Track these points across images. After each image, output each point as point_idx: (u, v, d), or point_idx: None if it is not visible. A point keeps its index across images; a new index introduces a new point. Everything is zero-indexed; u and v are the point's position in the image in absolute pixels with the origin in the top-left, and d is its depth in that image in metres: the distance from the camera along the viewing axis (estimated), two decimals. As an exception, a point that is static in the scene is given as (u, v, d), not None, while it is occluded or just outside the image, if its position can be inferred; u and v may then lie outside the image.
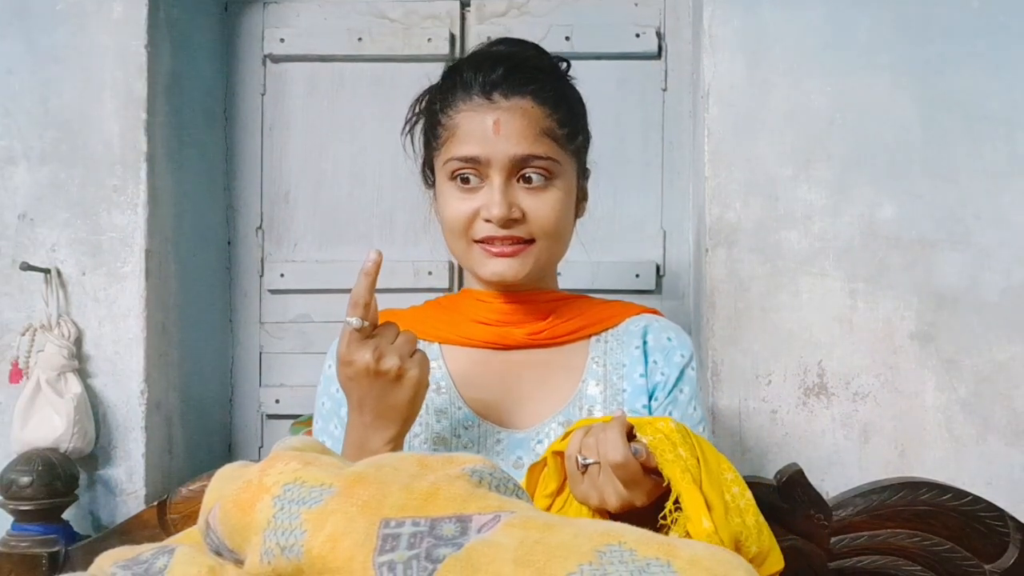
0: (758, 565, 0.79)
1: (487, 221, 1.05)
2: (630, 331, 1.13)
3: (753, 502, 0.80)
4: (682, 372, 1.10)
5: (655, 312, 1.19)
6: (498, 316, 1.12)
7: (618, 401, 1.09)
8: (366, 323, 0.95)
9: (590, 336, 1.13)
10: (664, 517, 0.79)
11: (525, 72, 1.07)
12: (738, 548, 0.77)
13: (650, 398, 1.09)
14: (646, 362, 1.11)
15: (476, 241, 1.07)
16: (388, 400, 0.95)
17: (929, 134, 1.45)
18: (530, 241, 1.07)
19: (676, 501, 0.78)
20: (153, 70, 1.52)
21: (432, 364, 1.08)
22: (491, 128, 1.04)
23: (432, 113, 1.12)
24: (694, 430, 1.03)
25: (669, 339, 1.12)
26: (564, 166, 1.08)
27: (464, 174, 1.06)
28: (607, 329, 1.14)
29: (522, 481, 0.92)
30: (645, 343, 1.12)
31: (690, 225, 1.64)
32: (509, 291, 1.11)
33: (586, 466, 0.84)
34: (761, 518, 0.80)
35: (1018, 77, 1.45)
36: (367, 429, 0.96)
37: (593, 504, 0.85)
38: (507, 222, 1.04)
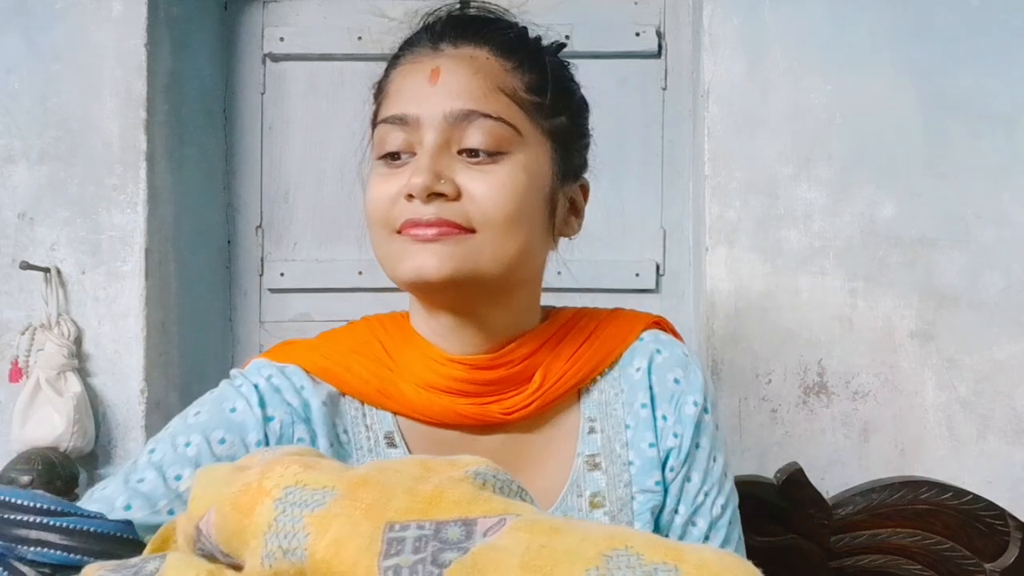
0: None
1: (410, 196, 0.76)
2: (631, 379, 0.87)
3: None
4: (697, 424, 0.86)
5: (658, 323, 0.93)
6: (465, 387, 0.83)
7: (623, 481, 0.85)
8: None
9: (580, 391, 0.87)
10: None
11: (489, 23, 0.84)
12: None
13: (663, 466, 0.86)
14: (654, 422, 0.86)
15: (398, 232, 0.78)
16: None
17: (929, 133, 1.45)
18: (467, 230, 0.76)
19: None
20: (153, 69, 1.51)
21: (393, 438, 0.84)
22: (427, 78, 0.78)
23: (378, 87, 0.87)
24: (717, 486, 0.88)
25: (676, 381, 0.87)
26: (528, 142, 0.80)
27: (392, 148, 0.79)
28: (602, 373, 0.88)
29: None
30: (651, 388, 0.87)
31: (690, 224, 1.64)
32: (473, 347, 0.83)
33: None
34: None
35: (1018, 76, 1.45)
36: None
37: None
38: (432, 196, 0.75)
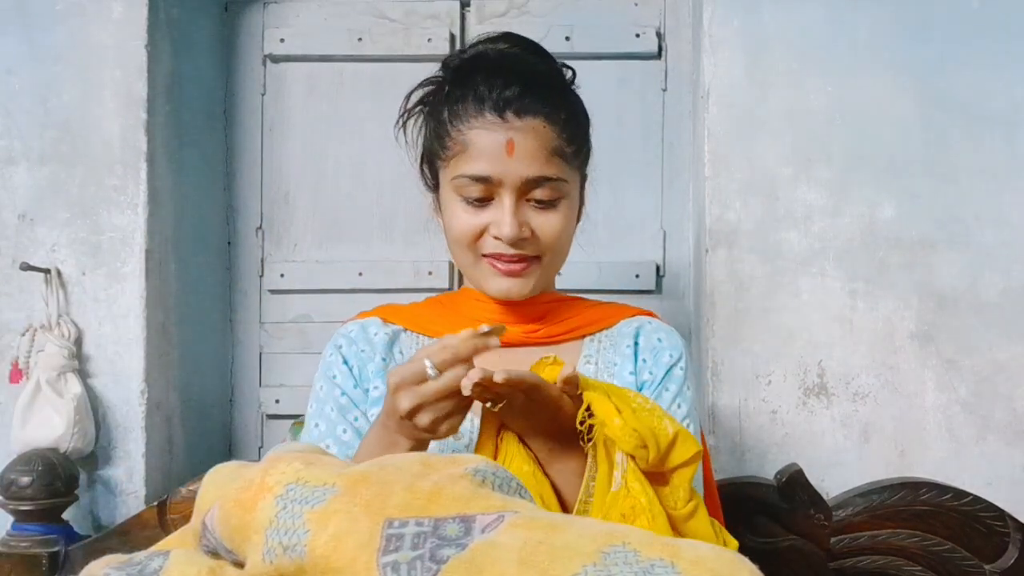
0: (681, 443, 0.88)
1: (496, 238, 1.07)
2: (623, 332, 1.16)
3: (659, 406, 0.92)
4: (668, 371, 1.11)
5: (650, 314, 1.20)
6: (496, 317, 1.13)
7: None
8: (437, 372, 0.89)
9: (584, 336, 1.16)
10: (582, 424, 0.89)
11: (538, 91, 1.08)
12: (656, 435, 0.86)
13: (639, 391, 1.10)
14: (636, 360, 1.13)
15: (484, 256, 1.09)
16: (401, 433, 0.94)
17: (929, 134, 1.46)
18: (536, 258, 1.09)
19: (588, 410, 0.89)
20: (153, 70, 1.52)
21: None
22: (504, 148, 1.05)
23: (440, 122, 1.11)
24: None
25: (659, 340, 1.14)
26: (571, 184, 1.10)
27: (476, 196, 1.07)
28: (601, 330, 1.17)
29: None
30: (636, 343, 1.14)
31: (690, 225, 1.64)
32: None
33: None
34: (667, 413, 0.92)
35: (1018, 77, 1.45)
36: (386, 432, 0.95)
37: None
38: (517, 241, 1.06)
